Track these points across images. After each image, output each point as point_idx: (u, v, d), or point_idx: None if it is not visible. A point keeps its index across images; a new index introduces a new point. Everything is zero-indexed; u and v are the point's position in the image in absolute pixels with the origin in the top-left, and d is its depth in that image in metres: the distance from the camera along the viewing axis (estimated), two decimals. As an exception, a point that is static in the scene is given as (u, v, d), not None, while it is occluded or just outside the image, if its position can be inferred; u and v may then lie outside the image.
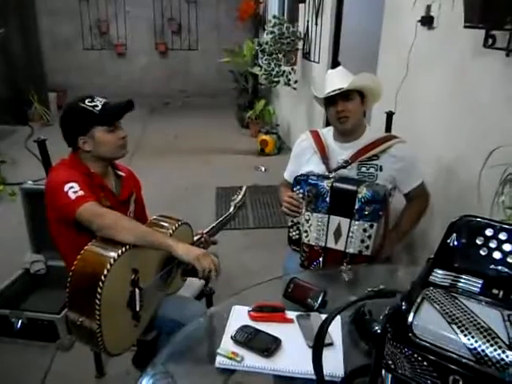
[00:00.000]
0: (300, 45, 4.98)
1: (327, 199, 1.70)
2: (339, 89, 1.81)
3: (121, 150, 1.67)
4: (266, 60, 5.02)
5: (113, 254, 1.43)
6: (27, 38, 6.81)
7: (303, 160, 2.00)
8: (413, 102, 2.52)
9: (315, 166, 1.91)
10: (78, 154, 1.65)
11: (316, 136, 1.99)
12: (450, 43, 2.12)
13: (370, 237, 1.67)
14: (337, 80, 1.87)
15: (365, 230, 1.66)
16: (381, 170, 1.85)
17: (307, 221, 1.75)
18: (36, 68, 7.05)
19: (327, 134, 2.00)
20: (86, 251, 1.46)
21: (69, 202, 1.48)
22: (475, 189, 1.60)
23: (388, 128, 2.37)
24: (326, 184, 1.70)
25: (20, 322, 2.26)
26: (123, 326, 1.51)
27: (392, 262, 1.94)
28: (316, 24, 4.42)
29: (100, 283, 1.37)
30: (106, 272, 1.38)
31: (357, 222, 1.66)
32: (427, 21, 2.31)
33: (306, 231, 1.77)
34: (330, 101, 1.87)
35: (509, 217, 1.23)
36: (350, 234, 1.68)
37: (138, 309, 1.52)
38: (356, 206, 1.65)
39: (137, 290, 1.51)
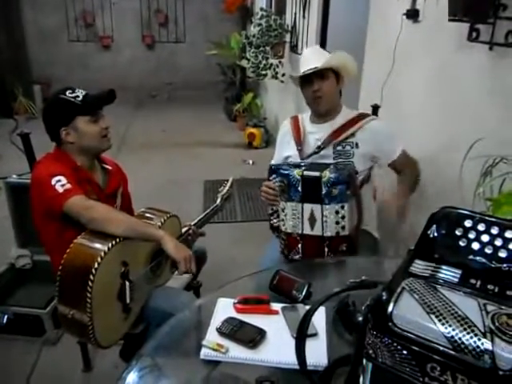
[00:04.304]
0: (287, 38, 4.98)
1: (299, 188, 1.71)
2: (315, 67, 1.83)
3: (105, 141, 1.67)
4: (253, 53, 5.00)
5: (103, 247, 1.43)
6: (11, 30, 6.70)
7: (283, 144, 2.06)
8: (398, 95, 2.54)
9: (292, 151, 1.97)
10: (63, 148, 1.64)
11: (295, 121, 2.03)
12: (435, 36, 2.13)
13: (343, 217, 1.68)
14: (312, 58, 1.89)
15: (337, 212, 1.68)
16: (357, 146, 1.87)
17: (283, 210, 1.78)
18: (20, 60, 6.95)
19: (306, 117, 2.04)
20: (76, 244, 1.47)
21: (56, 194, 1.47)
22: (458, 181, 1.62)
23: (374, 121, 2.38)
24: (296, 173, 1.71)
25: (6, 317, 2.25)
26: (114, 318, 1.52)
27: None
28: (303, 17, 4.41)
29: (91, 276, 1.37)
30: (96, 265, 1.39)
31: (327, 206, 1.68)
32: (412, 14, 2.32)
33: (282, 220, 1.79)
34: (305, 80, 1.88)
35: (488, 208, 1.25)
36: (324, 219, 1.70)
37: (128, 301, 1.53)
38: (323, 191, 1.67)
39: (127, 283, 1.52)
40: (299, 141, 1.94)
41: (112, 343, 1.55)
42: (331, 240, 1.71)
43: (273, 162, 2.12)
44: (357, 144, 1.87)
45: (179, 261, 1.51)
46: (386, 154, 1.93)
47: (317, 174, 1.68)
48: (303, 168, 1.73)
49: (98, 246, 1.45)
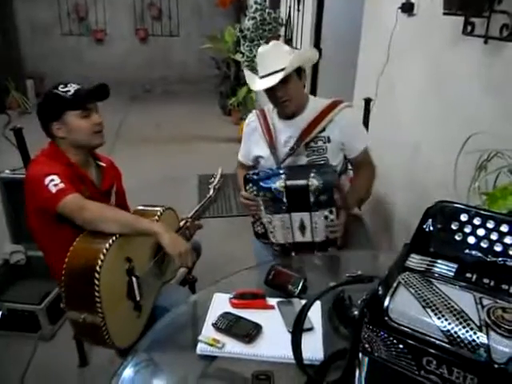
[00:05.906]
0: (282, 31, 4.95)
1: (284, 200, 1.69)
2: (275, 71, 1.71)
3: (96, 137, 1.64)
4: (247, 46, 4.97)
5: (103, 245, 1.41)
6: (3, 23, 6.62)
7: (252, 141, 1.98)
8: (393, 88, 2.54)
9: (262, 150, 1.91)
10: (56, 143, 1.63)
11: (263, 117, 1.94)
12: (430, 30, 2.13)
13: (332, 220, 1.69)
14: (271, 59, 1.76)
15: (326, 217, 1.69)
16: (329, 141, 1.83)
17: (270, 223, 1.76)
18: (12, 54, 6.86)
19: (273, 112, 1.95)
20: (75, 248, 1.44)
21: (50, 195, 1.45)
22: (452, 175, 1.62)
23: (367, 114, 2.39)
24: (278, 185, 1.68)
25: (0, 313, 2.23)
26: (126, 317, 1.50)
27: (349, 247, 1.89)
28: (298, 10, 4.39)
29: (96, 274, 1.36)
30: (100, 262, 1.37)
31: (317, 213, 1.68)
32: (407, 7, 2.31)
33: (271, 232, 1.77)
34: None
35: (484, 202, 1.25)
36: (314, 225, 1.71)
37: (138, 298, 1.52)
38: (311, 200, 1.66)
39: (134, 279, 1.50)
40: (271, 142, 1.87)
41: (129, 343, 1.47)
42: (321, 244, 1.73)
43: (240, 157, 2.10)
44: (329, 138, 1.82)
45: (175, 256, 1.50)
46: (352, 146, 1.88)
47: (303, 182, 1.65)
48: (284, 177, 1.69)
49: (97, 245, 1.42)
